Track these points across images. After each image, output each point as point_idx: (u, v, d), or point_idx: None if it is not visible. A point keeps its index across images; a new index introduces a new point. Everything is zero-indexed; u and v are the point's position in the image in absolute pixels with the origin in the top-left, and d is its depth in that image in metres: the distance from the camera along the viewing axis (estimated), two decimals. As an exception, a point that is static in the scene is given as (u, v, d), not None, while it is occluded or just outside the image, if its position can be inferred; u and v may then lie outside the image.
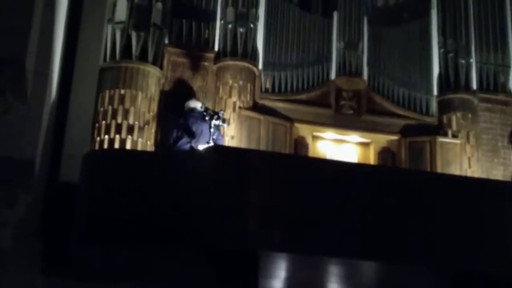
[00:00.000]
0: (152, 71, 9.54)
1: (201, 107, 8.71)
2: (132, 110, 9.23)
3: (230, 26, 10.12)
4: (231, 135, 9.56)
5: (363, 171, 8.28)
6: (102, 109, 9.28)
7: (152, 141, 9.35)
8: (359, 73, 10.39)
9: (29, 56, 5.36)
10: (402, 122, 10.48)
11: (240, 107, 9.75)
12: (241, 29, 10.09)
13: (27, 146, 6.56)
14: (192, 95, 9.75)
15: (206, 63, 10.07)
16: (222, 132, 9.07)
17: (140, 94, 9.34)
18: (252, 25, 10.19)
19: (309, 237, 7.24)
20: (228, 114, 9.52)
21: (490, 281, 7.66)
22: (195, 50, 10.09)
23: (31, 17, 5.37)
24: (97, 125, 9.25)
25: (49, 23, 7.19)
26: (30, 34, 5.34)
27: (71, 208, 7.82)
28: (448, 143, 10.26)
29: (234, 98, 9.81)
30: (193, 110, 8.76)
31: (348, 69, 10.34)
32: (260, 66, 10.25)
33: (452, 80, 10.65)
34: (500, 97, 10.86)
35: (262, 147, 9.60)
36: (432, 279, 8.26)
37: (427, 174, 9.23)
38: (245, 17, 10.16)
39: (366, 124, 10.36)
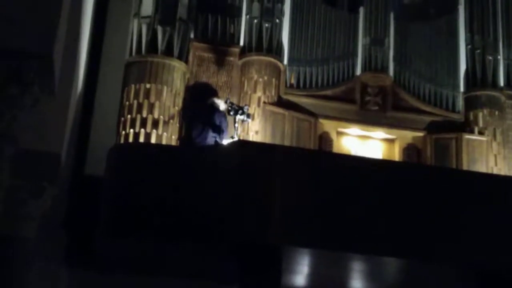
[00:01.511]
0: (178, 65, 9.58)
1: (226, 102, 8.71)
2: (157, 104, 9.27)
3: (255, 21, 10.12)
4: (256, 130, 9.56)
5: (388, 167, 8.23)
6: (127, 103, 9.34)
7: (177, 135, 9.39)
8: (384, 69, 10.35)
9: (56, 50, 5.40)
10: (428, 118, 10.42)
11: (264, 102, 9.75)
12: (266, 24, 10.08)
13: (54, 139, 6.61)
14: (217, 89, 9.78)
15: (231, 58, 10.09)
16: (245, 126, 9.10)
17: (165, 88, 9.38)
18: (277, 20, 10.18)
19: (333, 233, 7.22)
20: (252, 109, 9.53)
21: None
22: (221, 45, 10.11)
23: (59, 11, 5.41)
24: (122, 119, 9.31)
25: (76, 17, 7.23)
26: (58, 28, 5.37)
27: (96, 201, 7.88)
28: (474, 140, 10.18)
29: (259, 93, 9.81)
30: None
31: (373, 65, 10.31)
32: (285, 61, 10.24)
33: (479, 77, 10.56)
34: (528, 94, 10.74)
35: (287, 142, 9.60)
36: (456, 278, 8.19)
37: (453, 171, 9.16)
38: (270, 12, 10.15)
39: (392, 120, 10.30)
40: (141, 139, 9.08)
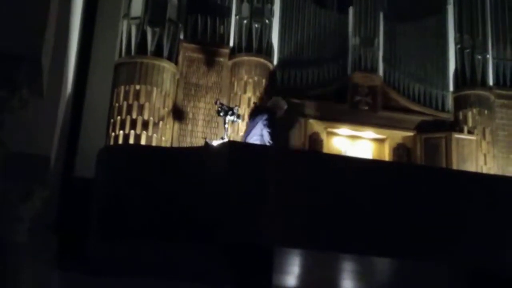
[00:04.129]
0: (167, 66, 9.56)
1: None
2: (147, 105, 9.25)
3: (245, 21, 10.11)
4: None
5: (379, 167, 8.25)
6: (117, 104, 9.31)
7: (167, 136, 9.37)
8: (374, 69, 10.34)
9: (45, 52, 5.38)
10: (418, 118, 10.42)
11: (254, 103, 9.73)
12: (256, 25, 10.07)
13: (43, 141, 6.59)
14: (206, 90, 9.78)
15: (221, 59, 10.07)
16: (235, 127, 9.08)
17: (155, 89, 9.36)
18: (267, 21, 10.18)
19: (325, 234, 7.22)
20: (242, 109, 9.51)
21: (507, 280, 7.59)
22: (210, 46, 10.08)
23: (47, 13, 5.39)
24: (112, 120, 9.28)
25: (65, 19, 7.21)
26: (46, 30, 5.35)
27: (86, 203, 7.85)
28: (464, 139, 10.20)
29: (249, 94, 9.80)
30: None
31: (363, 65, 10.29)
32: (275, 61, 10.23)
33: (468, 76, 10.58)
34: (517, 93, 10.77)
35: (277, 143, 9.57)
36: (447, 277, 8.21)
37: (443, 171, 9.18)
38: (260, 13, 10.15)
39: (382, 120, 10.30)
40: (131, 141, 9.06)
